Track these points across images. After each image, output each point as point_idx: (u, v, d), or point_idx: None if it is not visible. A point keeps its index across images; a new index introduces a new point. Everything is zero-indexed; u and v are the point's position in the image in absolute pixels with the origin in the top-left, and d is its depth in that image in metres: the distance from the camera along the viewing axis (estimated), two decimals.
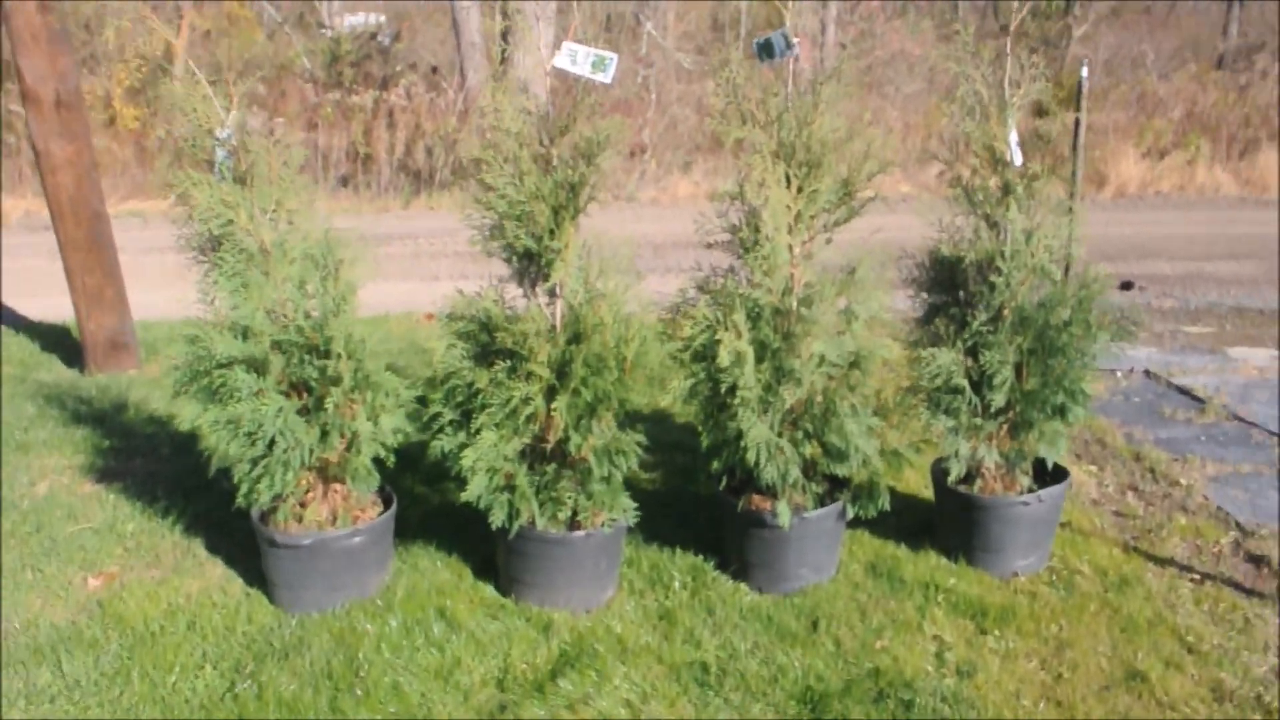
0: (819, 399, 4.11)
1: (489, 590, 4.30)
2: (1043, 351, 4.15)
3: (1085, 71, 7.14)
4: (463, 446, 3.97)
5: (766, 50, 4.25)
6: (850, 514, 4.27)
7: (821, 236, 4.28)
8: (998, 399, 4.17)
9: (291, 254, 3.92)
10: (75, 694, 3.67)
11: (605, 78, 4.02)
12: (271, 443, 3.89)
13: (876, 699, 3.55)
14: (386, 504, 4.37)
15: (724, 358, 3.92)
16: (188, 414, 3.94)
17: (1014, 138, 4.29)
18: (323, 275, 4.02)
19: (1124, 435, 6.04)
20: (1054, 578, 4.33)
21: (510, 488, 3.97)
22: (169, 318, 4.04)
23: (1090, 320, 4.11)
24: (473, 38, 16.17)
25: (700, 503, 5.09)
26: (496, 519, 3.97)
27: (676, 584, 4.32)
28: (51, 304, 9.16)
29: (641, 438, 4.13)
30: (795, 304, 4.16)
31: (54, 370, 7.68)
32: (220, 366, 3.83)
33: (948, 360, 4.22)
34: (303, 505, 4.17)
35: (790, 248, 4.16)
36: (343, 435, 3.99)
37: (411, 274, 11.34)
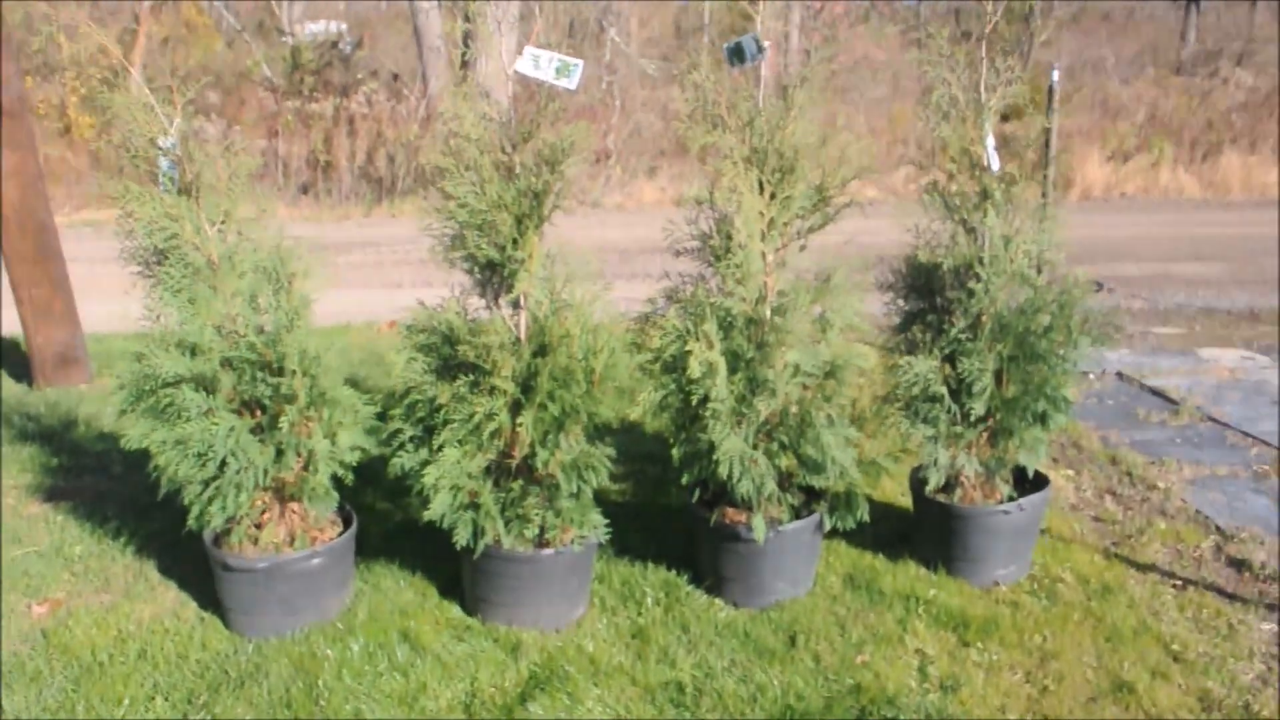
0: (794, 410, 3.99)
1: (455, 610, 4.14)
2: (1023, 358, 4.05)
3: (1056, 75, 7.10)
4: (424, 464, 3.81)
5: (737, 54, 4.14)
6: (828, 526, 4.15)
7: (795, 243, 4.17)
8: (977, 407, 4.07)
9: (241, 267, 3.75)
10: None
11: (570, 84, 3.88)
12: (223, 463, 3.72)
13: (859, 717, 3.43)
14: (346, 523, 4.20)
15: (695, 369, 3.80)
16: (135, 433, 3.76)
17: (991, 142, 4.21)
18: (275, 289, 3.85)
19: (1100, 438, 5.97)
20: (1036, 586, 4.24)
21: (475, 506, 3.82)
22: (124, 330, 3.86)
23: (1071, 326, 4.02)
24: (434, 43, 15.99)
25: (672, 514, 4.95)
26: (461, 538, 3.81)
27: (649, 600, 4.18)
28: None
29: (611, 451, 3.99)
30: (769, 313, 4.04)
31: (0, 385, 7.42)
32: (167, 385, 3.65)
33: (926, 368, 4.11)
34: (258, 526, 3.99)
35: (763, 255, 4.05)
36: (299, 454, 3.82)
37: (373, 282, 11.15)
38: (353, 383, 7.21)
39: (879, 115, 18.60)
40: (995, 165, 4.23)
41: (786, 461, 4.02)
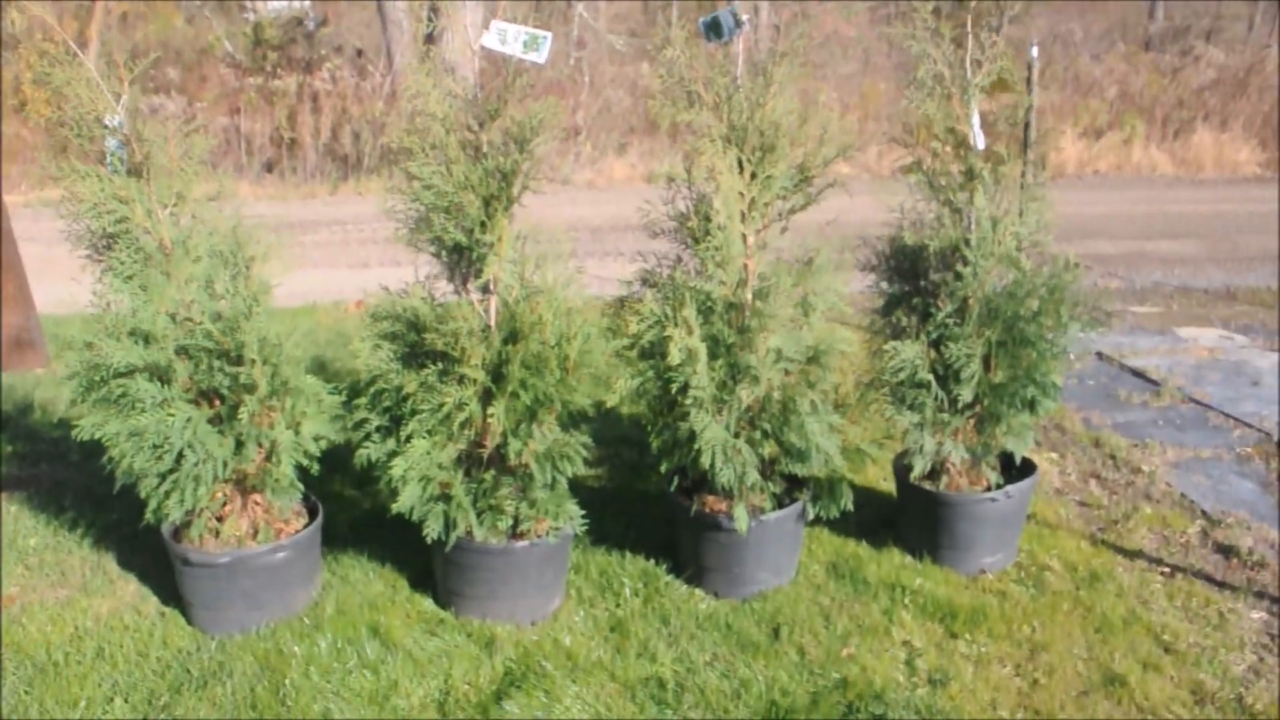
0: (777, 397, 3.86)
1: (427, 603, 4.00)
2: (1012, 343, 3.94)
3: (1035, 51, 6.98)
4: (392, 455, 3.66)
5: (714, 29, 3.98)
6: (811, 515, 4.04)
7: (776, 225, 4.03)
8: (965, 393, 3.96)
9: (196, 251, 3.57)
10: None
11: (539, 58, 3.72)
12: (180, 456, 3.55)
13: (846, 714, 3.33)
14: (312, 514, 4.04)
15: (674, 355, 3.66)
16: (87, 424, 3.57)
17: (976, 120, 4.08)
18: (233, 273, 3.66)
19: (1082, 420, 5.90)
20: (1023, 575, 4.15)
21: (445, 497, 3.67)
22: (84, 312, 3.67)
23: (1061, 310, 3.91)
24: (398, 18, 15.66)
25: (650, 501, 4.82)
26: (432, 531, 3.67)
27: (628, 591, 4.06)
28: None
29: (587, 439, 3.85)
30: (750, 297, 3.91)
31: None
32: (119, 375, 3.47)
33: (912, 353, 4.00)
34: (220, 519, 3.83)
35: (744, 237, 3.91)
36: (260, 445, 3.66)
37: (340, 261, 10.92)
38: (320, 365, 7.07)
39: (850, 91, 18.45)
40: (981, 143, 4.10)
41: (769, 449, 3.90)
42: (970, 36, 4.10)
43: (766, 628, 3.80)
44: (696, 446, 3.76)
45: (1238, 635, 3.74)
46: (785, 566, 4.11)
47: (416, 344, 3.74)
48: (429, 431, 3.61)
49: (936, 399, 4.05)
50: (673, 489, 4.13)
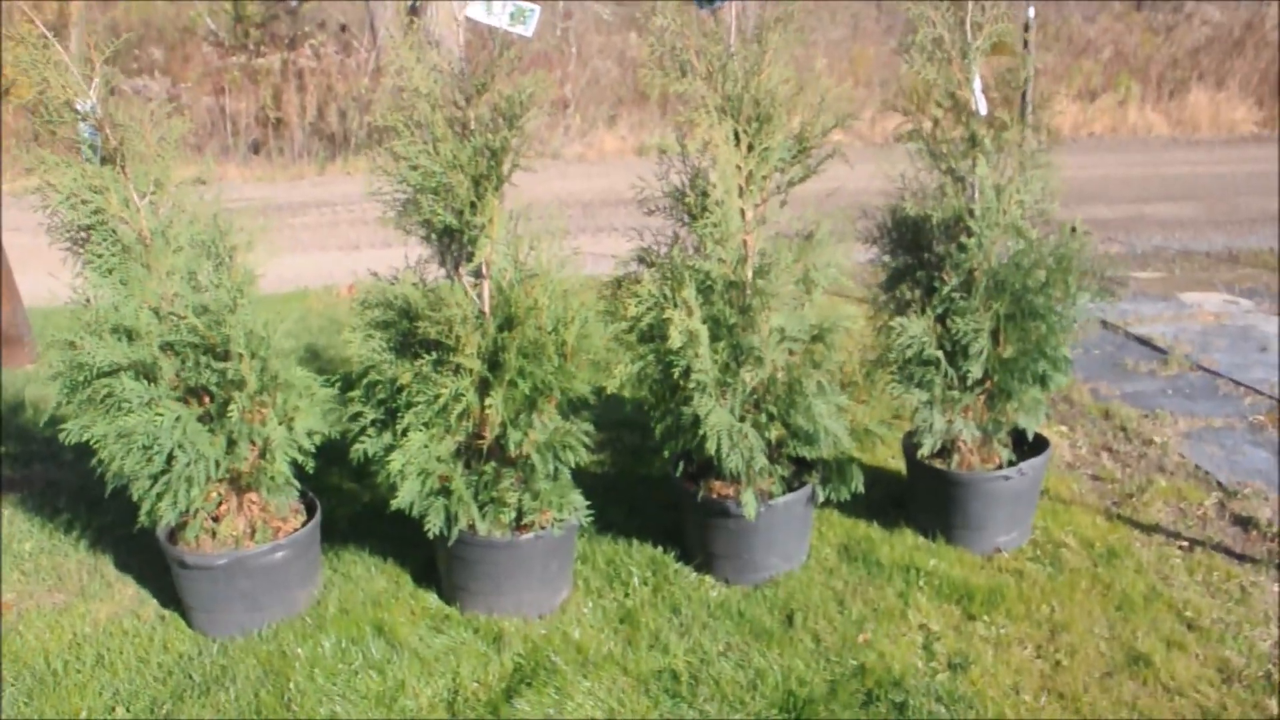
0: (781, 378, 3.75)
1: (431, 599, 3.90)
2: (1021, 316, 3.83)
3: (1031, 12, 6.83)
4: (389, 448, 3.55)
5: None
6: (821, 498, 3.94)
7: (775, 198, 3.90)
8: (974, 369, 3.85)
9: (177, 241, 3.44)
10: None
11: (526, 30, 3.58)
12: (171, 456, 3.43)
13: (865, 702, 3.24)
14: (310, 511, 3.93)
15: (675, 339, 3.54)
16: (74, 427, 3.46)
17: (978, 84, 3.95)
18: (216, 264, 3.54)
19: (1090, 391, 5.80)
20: (1039, 553, 4.06)
21: (446, 491, 3.57)
22: (68, 307, 3.55)
23: (1070, 281, 3.80)
24: None
25: (654, 485, 4.73)
26: (433, 526, 3.56)
27: (636, 580, 3.96)
28: None
29: (589, 427, 3.75)
30: (750, 274, 3.79)
31: None
32: (104, 375, 3.35)
33: (919, 329, 3.88)
34: (215, 519, 3.72)
35: (742, 212, 3.79)
36: (253, 443, 3.54)
37: (330, 244, 10.77)
38: (313, 353, 6.95)
39: (839, 57, 18.23)
40: (983, 109, 3.98)
41: (776, 433, 3.79)
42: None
43: (780, 615, 3.71)
44: (701, 432, 3.66)
45: (1261, 609, 3.65)
46: (796, 551, 4.02)
47: (409, 332, 3.62)
48: (426, 424, 3.50)
49: (945, 376, 3.95)
50: (678, 474, 4.03)
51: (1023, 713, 3.15)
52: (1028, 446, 4.17)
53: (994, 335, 3.91)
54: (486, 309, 3.61)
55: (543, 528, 3.68)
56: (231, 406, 3.39)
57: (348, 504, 4.66)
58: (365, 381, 3.64)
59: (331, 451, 4.13)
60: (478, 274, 3.61)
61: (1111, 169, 13.09)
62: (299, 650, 3.56)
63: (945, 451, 4.11)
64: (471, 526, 3.62)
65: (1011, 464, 4.05)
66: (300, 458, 3.69)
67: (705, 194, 3.77)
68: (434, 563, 3.94)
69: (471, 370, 3.45)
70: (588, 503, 3.78)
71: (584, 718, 3.23)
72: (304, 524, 3.83)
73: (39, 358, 7.05)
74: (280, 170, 15.48)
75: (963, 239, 3.86)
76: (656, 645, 3.55)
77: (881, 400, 4.13)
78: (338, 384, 3.82)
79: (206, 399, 3.54)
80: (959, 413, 3.99)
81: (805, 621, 3.65)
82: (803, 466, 4.02)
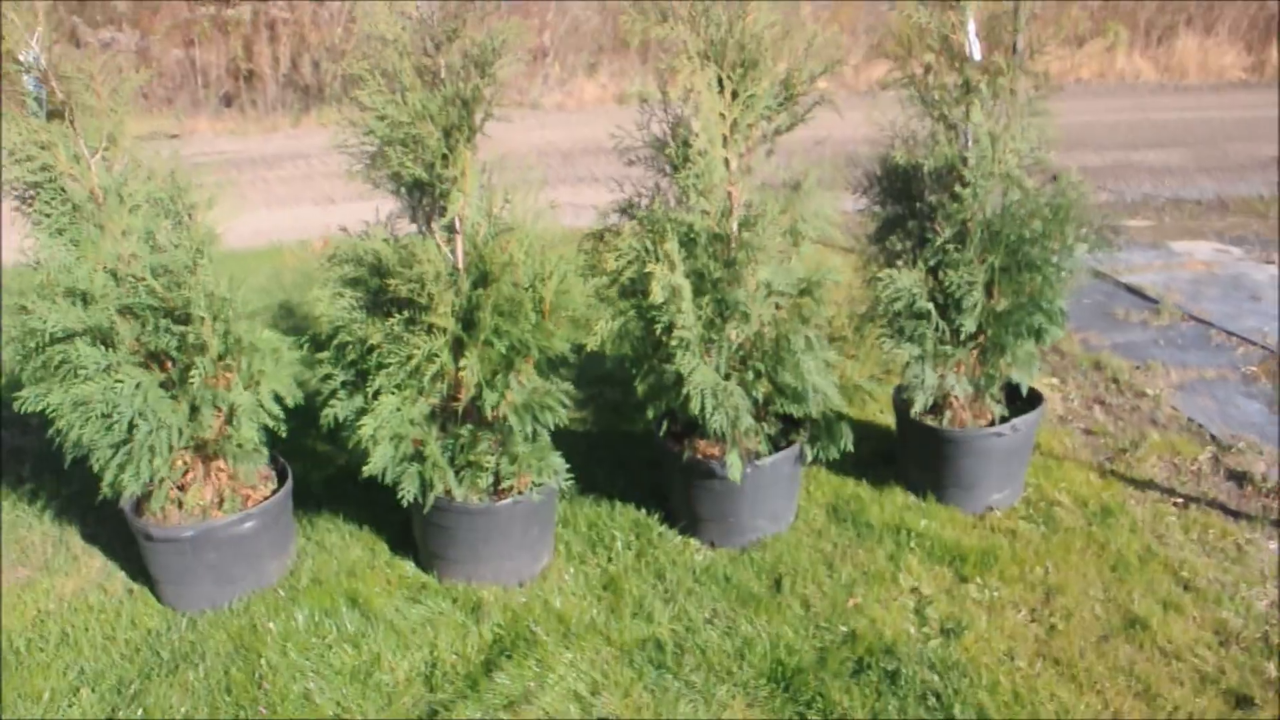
0: (769, 333, 3.62)
1: (409, 567, 3.78)
2: (1015, 268, 3.70)
3: None
4: (360, 412, 3.40)
5: None
6: (809, 457, 3.82)
7: (761, 147, 3.74)
8: (968, 323, 3.72)
9: (133, 200, 3.25)
10: None
11: None
12: (132, 425, 3.28)
13: (856, 670, 3.15)
14: (281, 477, 3.79)
15: (657, 294, 3.39)
16: (29, 395, 3.29)
17: (972, 28, 3.78)
18: (175, 222, 3.36)
19: (1080, 342, 5.69)
20: (1032, 511, 3.96)
21: (420, 456, 3.43)
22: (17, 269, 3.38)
23: (1067, 231, 3.66)
24: None
25: (637, 443, 4.60)
26: (407, 493, 3.43)
27: (619, 544, 3.85)
28: None
29: (569, 386, 3.61)
30: (735, 227, 3.64)
31: None
32: (57, 341, 3.18)
33: (910, 282, 3.75)
34: (182, 489, 3.58)
35: (726, 162, 3.62)
36: (217, 409, 3.39)
37: (305, 197, 10.52)
38: (286, 311, 6.76)
39: (823, 4, 17.91)
40: (978, 54, 3.81)
41: (763, 390, 3.66)
42: None
43: (767, 579, 3.61)
44: (685, 391, 3.52)
45: (1258, 568, 3.57)
46: (783, 512, 3.91)
47: (380, 290, 3.46)
48: (398, 386, 3.35)
49: (937, 330, 3.82)
50: (662, 434, 3.90)
51: (1018, 680, 3.06)
52: (1020, 401, 4.06)
53: (987, 288, 3.77)
54: (460, 265, 3.45)
55: (521, 492, 3.55)
56: (193, 372, 3.23)
57: (322, 467, 4.52)
58: (335, 342, 3.49)
59: (305, 413, 3.98)
60: (451, 229, 3.45)
61: (1099, 115, 12.89)
62: (271, 624, 3.44)
63: (936, 407, 4.00)
64: (448, 492, 3.49)
65: (1004, 420, 3.94)
66: (271, 423, 3.55)
67: (687, 144, 3.60)
68: (411, 529, 3.82)
69: (445, 330, 3.29)
70: (569, 465, 3.65)
71: (566, 691, 3.12)
72: (274, 492, 3.69)
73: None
74: (253, 123, 15.12)
75: (956, 188, 3.71)
76: (640, 613, 3.44)
77: (871, 355, 4.01)
78: (307, 345, 3.66)
79: (169, 364, 3.38)
80: (951, 368, 3.87)
81: (794, 586, 3.55)
82: (790, 424, 3.90)
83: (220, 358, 3.35)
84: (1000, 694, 3.02)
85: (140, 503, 3.59)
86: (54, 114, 3.21)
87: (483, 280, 3.38)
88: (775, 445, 3.81)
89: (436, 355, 3.28)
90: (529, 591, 3.60)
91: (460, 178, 3.26)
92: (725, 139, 3.61)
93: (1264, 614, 3.33)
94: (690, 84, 3.54)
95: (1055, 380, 5.19)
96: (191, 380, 3.24)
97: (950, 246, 3.75)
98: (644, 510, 4.05)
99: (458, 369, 3.33)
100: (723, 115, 3.60)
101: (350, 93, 3.22)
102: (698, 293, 3.57)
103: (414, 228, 3.54)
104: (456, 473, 3.51)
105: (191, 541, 3.47)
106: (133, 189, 3.30)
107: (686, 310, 3.47)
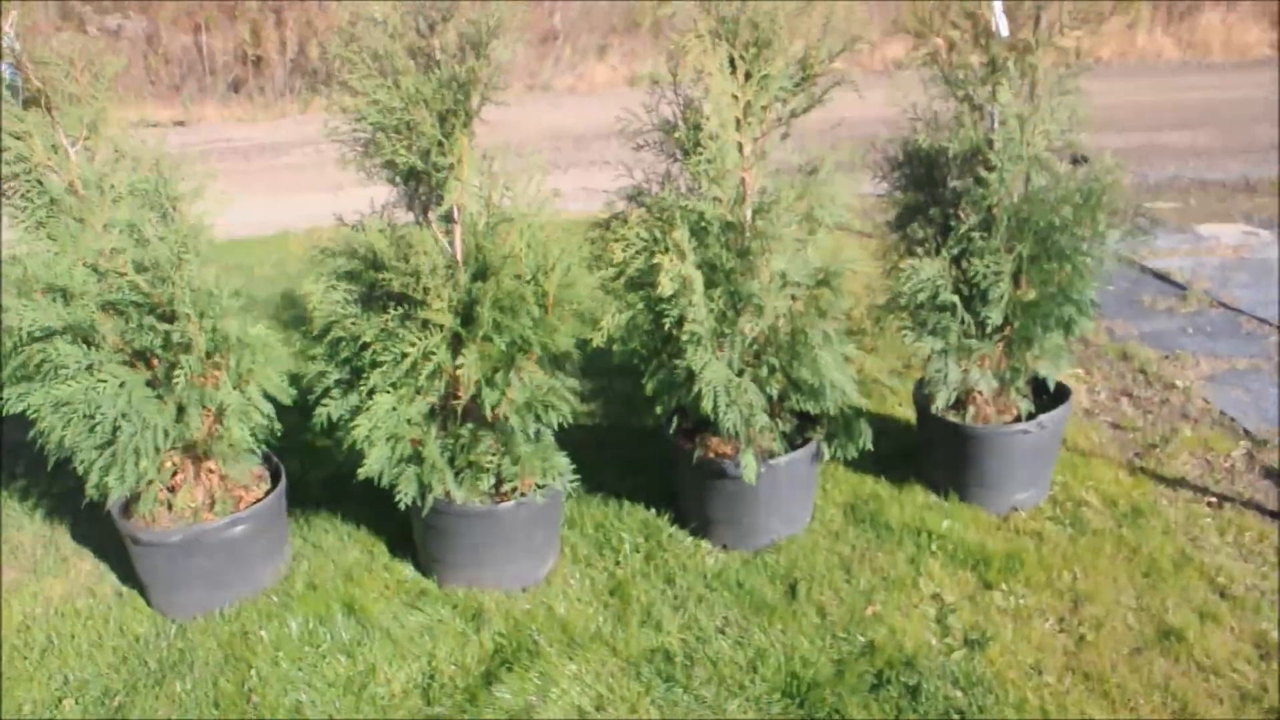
0: (784, 327, 3.44)
1: (408, 570, 3.64)
2: (1045, 257, 3.51)
3: None
4: (355, 411, 3.25)
5: None
6: (826, 456, 3.66)
7: (776, 131, 3.55)
8: (994, 315, 3.54)
9: (115, 191, 3.10)
10: None
11: None
12: (116, 426, 3.13)
13: (875, 685, 2.98)
14: (275, 477, 3.65)
15: (666, 286, 3.22)
16: (10, 396, 3.15)
17: (999, 4, 3.58)
18: (161, 215, 3.20)
19: (1106, 330, 5.49)
20: (1058, 511, 3.79)
21: (418, 457, 3.27)
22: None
23: (1099, 218, 3.47)
24: None
25: (648, 439, 4.43)
26: (405, 495, 3.28)
27: (627, 547, 3.70)
28: None
29: (574, 382, 3.46)
30: (749, 214, 3.46)
31: None
32: (36, 339, 3.03)
33: (933, 272, 3.56)
34: (171, 490, 3.44)
35: (740, 146, 3.44)
36: (206, 408, 3.24)
37: (314, 185, 10.38)
38: (290, 301, 6.62)
39: None
40: (1004, 30, 3.61)
41: (778, 386, 3.49)
42: None
43: (782, 585, 3.45)
44: (696, 388, 3.35)
45: None
46: (799, 513, 3.75)
47: (376, 283, 3.30)
48: (393, 385, 3.20)
49: (962, 323, 3.64)
50: (672, 431, 3.74)
51: (1046, 697, 2.89)
52: (1046, 396, 3.88)
53: (1014, 278, 3.59)
54: (459, 256, 3.29)
55: (524, 494, 3.39)
56: (177, 371, 3.08)
57: (322, 464, 4.37)
58: (328, 338, 3.33)
59: (305, 407, 3.83)
60: (448, 219, 3.28)
61: (1121, 96, 12.60)
62: (262, 632, 3.30)
63: (959, 402, 3.82)
64: (447, 495, 3.34)
65: (1030, 416, 3.76)
66: (263, 422, 3.40)
67: (698, 127, 3.42)
68: (412, 529, 3.67)
69: (442, 326, 3.13)
70: (577, 462, 3.50)
71: (569, 706, 2.97)
72: (267, 492, 3.54)
73: None
74: (261, 110, 15.00)
75: (982, 173, 3.53)
76: (649, 621, 3.29)
77: (891, 347, 3.83)
78: (303, 340, 3.50)
79: (155, 362, 3.23)
80: (975, 362, 3.68)
81: (809, 593, 3.38)
82: (806, 421, 3.73)
83: (208, 355, 3.20)
84: (1028, 712, 2.85)
85: (129, 504, 3.46)
86: (30, 102, 3.05)
87: (482, 273, 3.21)
88: (791, 443, 3.65)
89: (433, 353, 3.12)
90: (532, 597, 3.45)
91: (457, 165, 3.09)
92: (738, 122, 3.43)
93: None
94: (700, 64, 3.36)
95: (1081, 370, 5.00)
96: (176, 380, 3.08)
97: (975, 234, 3.56)
98: (654, 510, 3.89)
99: (456, 367, 3.16)
100: (735, 97, 3.42)
101: (340, 77, 3.05)
102: (709, 284, 3.40)
103: (411, 216, 3.38)
104: (456, 474, 3.36)
105: (180, 546, 3.32)
106: (116, 180, 3.14)
107: (698, 303, 3.30)
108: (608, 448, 4.44)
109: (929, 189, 3.83)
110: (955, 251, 3.62)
